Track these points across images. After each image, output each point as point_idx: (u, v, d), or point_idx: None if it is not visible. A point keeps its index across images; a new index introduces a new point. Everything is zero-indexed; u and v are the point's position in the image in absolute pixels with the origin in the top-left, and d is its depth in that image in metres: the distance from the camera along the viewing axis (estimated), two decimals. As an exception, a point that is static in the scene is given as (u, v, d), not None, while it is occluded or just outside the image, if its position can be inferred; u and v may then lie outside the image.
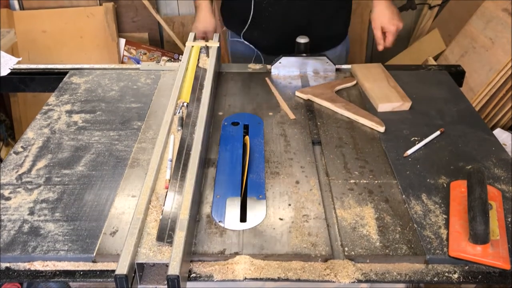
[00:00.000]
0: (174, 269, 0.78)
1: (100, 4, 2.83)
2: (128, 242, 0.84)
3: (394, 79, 1.47)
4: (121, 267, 0.79)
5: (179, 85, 1.29)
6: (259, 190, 1.04)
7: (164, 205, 0.94)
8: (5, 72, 1.52)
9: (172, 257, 0.80)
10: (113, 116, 1.29)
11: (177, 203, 0.94)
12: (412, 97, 1.38)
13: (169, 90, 1.37)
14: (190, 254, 0.89)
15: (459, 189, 1.02)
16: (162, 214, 0.92)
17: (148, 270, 0.88)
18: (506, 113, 2.36)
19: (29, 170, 1.09)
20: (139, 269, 0.84)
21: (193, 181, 0.95)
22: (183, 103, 1.22)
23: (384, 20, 1.54)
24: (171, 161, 1.05)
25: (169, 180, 1.00)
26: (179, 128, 1.15)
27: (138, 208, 0.91)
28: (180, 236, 0.83)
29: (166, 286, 0.81)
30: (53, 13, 2.78)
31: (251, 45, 1.71)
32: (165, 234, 0.87)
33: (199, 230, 0.94)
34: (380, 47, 1.57)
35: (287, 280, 0.86)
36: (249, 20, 1.63)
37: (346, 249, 0.90)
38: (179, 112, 1.19)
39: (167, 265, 0.80)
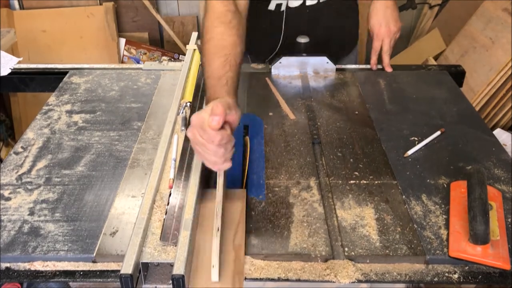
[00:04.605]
0: (179, 269, 0.78)
1: (100, 4, 2.83)
2: (133, 242, 0.84)
3: (394, 79, 1.47)
4: (126, 267, 0.79)
5: (183, 85, 1.29)
6: (259, 190, 1.04)
7: (168, 205, 0.94)
8: (5, 72, 1.52)
9: (177, 257, 0.80)
10: (113, 116, 1.29)
11: (181, 202, 0.94)
12: (412, 97, 1.38)
13: (170, 90, 1.37)
14: (194, 254, 0.89)
15: (459, 190, 1.02)
16: (166, 213, 0.92)
17: (153, 269, 0.88)
18: (506, 113, 2.36)
19: (29, 171, 1.09)
20: (143, 269, 0.85)
21: (197, 181, 0.95)
22: (186, 103, 1.22)
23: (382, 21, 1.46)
24: (175, 160, 1.05)
25: (173, 180, 1.00)
26: (183, 128, 1.15)
27: (143, 207, 0.91)
28: (184, 236, 0.83)
29: (166, 286, 0.81)
30: (53, 12, 2.79)
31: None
32: (169, 234, 0.88)
33: (199, 230, 0.94)
34: (374, 60, 1.49)
35: (287, 280, 0.86)
36: (277, 49, 1.57)
37: (346, 249, 0.90)
38: (182, 112, 1.19)
39: (171, 265, 0.80)
